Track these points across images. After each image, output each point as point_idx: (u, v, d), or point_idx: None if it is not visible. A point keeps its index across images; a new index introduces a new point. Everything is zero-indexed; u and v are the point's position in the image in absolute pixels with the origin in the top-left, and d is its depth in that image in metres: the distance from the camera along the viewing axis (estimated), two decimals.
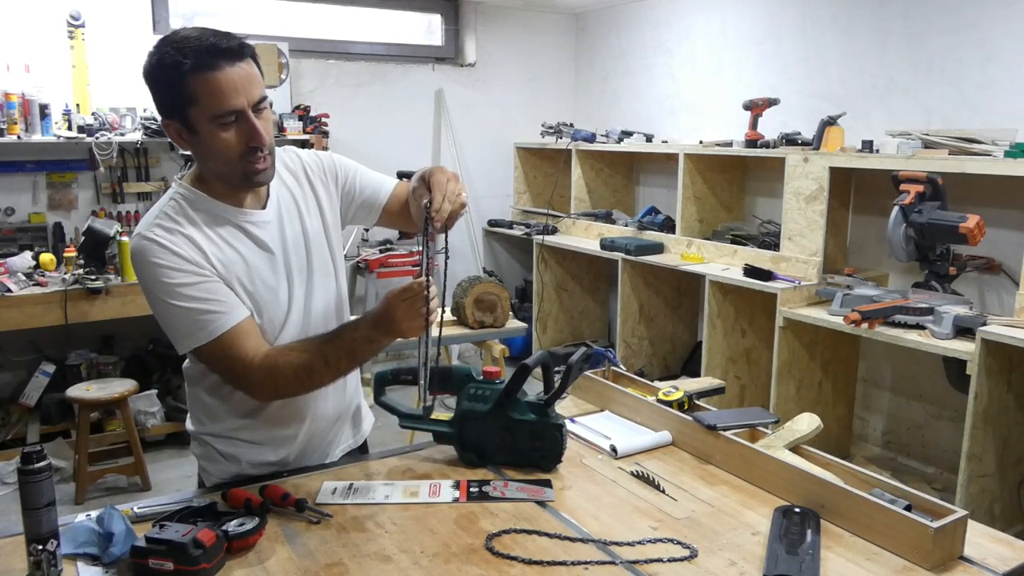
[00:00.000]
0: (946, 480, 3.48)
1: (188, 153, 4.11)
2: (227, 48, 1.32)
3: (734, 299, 3.89)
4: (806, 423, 1.60)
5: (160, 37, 1.36)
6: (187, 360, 1.54)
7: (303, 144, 4.32)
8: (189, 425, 1.61)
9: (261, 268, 1.46)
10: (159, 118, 1.41)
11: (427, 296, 1.36)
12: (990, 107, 3.30)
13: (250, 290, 1.45)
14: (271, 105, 1.43)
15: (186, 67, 1.30)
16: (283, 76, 4.44)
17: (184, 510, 1.28)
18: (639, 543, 1.28)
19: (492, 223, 5.46)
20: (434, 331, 1.43)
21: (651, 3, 4.99)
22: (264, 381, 1.39)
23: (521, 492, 1.45)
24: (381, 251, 4.73)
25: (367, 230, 4.75)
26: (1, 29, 3.88)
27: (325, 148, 4.57)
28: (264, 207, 1.50)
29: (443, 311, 1.45)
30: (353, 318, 1.47)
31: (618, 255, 4.41)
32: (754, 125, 3.95)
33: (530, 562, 1.22)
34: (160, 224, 1.40)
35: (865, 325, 3.02)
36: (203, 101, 1.32)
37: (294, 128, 4.40)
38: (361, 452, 1.76)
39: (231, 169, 1.39)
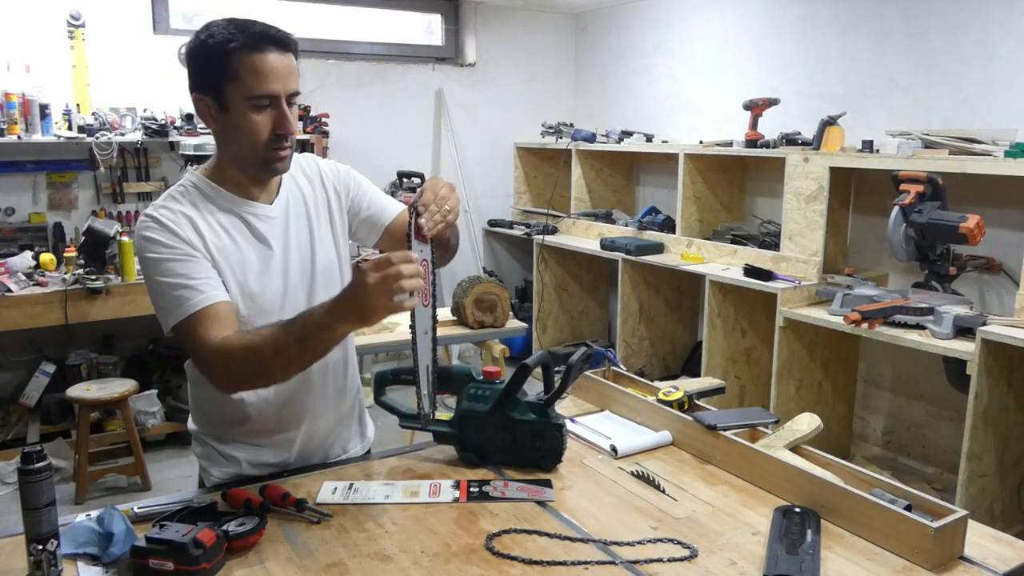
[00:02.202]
0: (946, 480, 3.48)
1: (187, 154, 4.12)
2: (277, 37, 1.38)
3: (734, 299, 3.89)
4: (806, 423, 1.60)
5: (212, 20, 1.41)
6: (189, 358, 1.54)
7: (303, 144, 4.33)
8: (190, 424, 1.62)
9: (255, 261, 1.47)
10: (189, 93, 1.43)
11: (401, 272, 1.19)
12: (990, 107, 3.30)
13: (240, 280, 1.45)
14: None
15: (236, 44, 1.35)
16: None
17: (184, 510, 1.28)
18: (639, 543, 1.28)
19: (492, 223, 5.46)
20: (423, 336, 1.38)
21: (651, 3, 4.99)
22: (219, 365, 1.34)
23: (521, 492, 1.45)
24: (382, 251, 4.72)
25: None
26: (1, 29, 3.88)
27: (325, 148, 4.57)
28: (272, 203, 1.51)
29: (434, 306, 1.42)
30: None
31: (618, 255, 4.41)
32: (754, 125, 3.95)
33: (530, 562, 1.22)
34: (165, 205, 1.43)
35: (865, 325, 3.02)
36: (244, 79, 1.36)
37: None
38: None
39: (254, 154, 1.41)
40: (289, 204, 1.53)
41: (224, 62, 1.35)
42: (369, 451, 1.78)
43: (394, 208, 1.67)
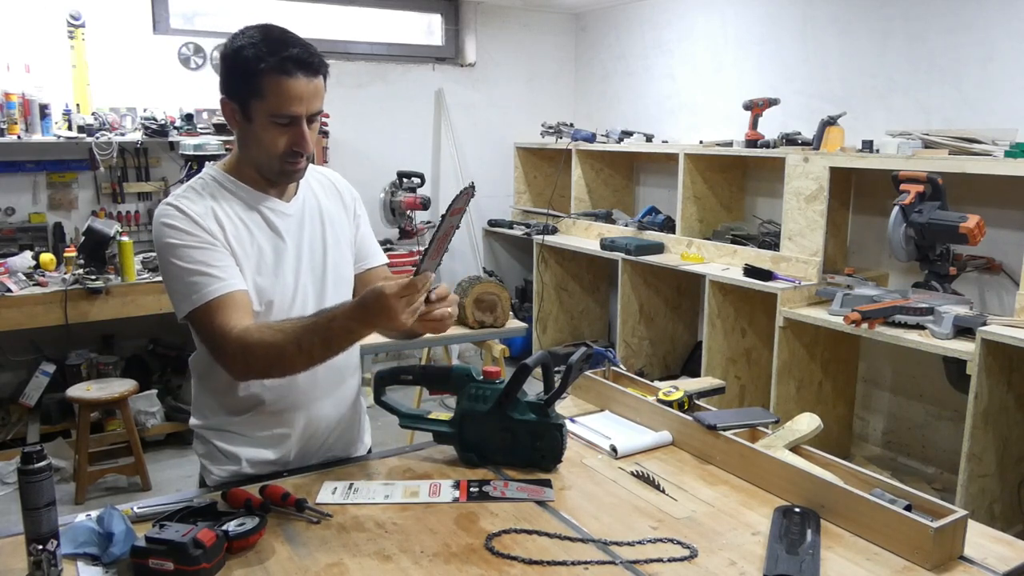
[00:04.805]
0: (946, 480, 3.48)
1: (188, 154, 4.12)
2: (307, 62, 1.43)
3: (734, 299, 3.89)
4: (806, 423, 1.60)
5: (249, 25, 1.44)
6: (194, 352, 1.56)
7: None
8: (192, 421, 1.62)
9: (268, 253, 1.50)
10: (219, 93, 1.47)
11: (418, 296, 1.33)
12: (990, 107, 3.30)
13: (253, 271, 1.48)
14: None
15: (265, 65, 1.39)
16: None
17: (184, 510, 1.28)
18: (639, 543, 1.28)
19: (492, 223, 5.46)
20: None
21: (651, 3, 4.99)
22: (236, 355, 1.38)
23: (521, 492, 1.45)
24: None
25: None
26: (1, 29, 3.88)
27: (325, 148, 4.57)
28: (290, 203, 1.56)
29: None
30: (331, 307, 1.44)
31: (618, 255, 4.41)
32: (754, 125, 3.95)
33: (530, 562, 1.22)
34: (186, 195, 1.47)
35: (865, 325, 3.02)
36: (268, 98, 1.40)
37: None
38: None
39: (270, 163, 1.47)
40: (305, 207, 1.58)
41: (252, 79, 1.40)
42: (370, 450, 1.78)
43: (379, 258, 1.74)
